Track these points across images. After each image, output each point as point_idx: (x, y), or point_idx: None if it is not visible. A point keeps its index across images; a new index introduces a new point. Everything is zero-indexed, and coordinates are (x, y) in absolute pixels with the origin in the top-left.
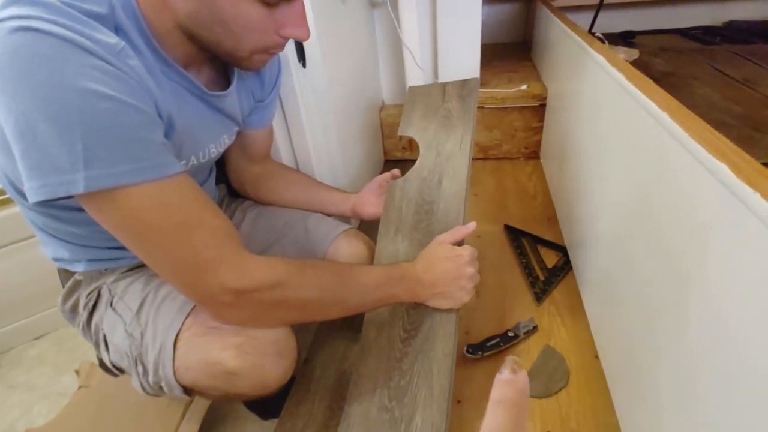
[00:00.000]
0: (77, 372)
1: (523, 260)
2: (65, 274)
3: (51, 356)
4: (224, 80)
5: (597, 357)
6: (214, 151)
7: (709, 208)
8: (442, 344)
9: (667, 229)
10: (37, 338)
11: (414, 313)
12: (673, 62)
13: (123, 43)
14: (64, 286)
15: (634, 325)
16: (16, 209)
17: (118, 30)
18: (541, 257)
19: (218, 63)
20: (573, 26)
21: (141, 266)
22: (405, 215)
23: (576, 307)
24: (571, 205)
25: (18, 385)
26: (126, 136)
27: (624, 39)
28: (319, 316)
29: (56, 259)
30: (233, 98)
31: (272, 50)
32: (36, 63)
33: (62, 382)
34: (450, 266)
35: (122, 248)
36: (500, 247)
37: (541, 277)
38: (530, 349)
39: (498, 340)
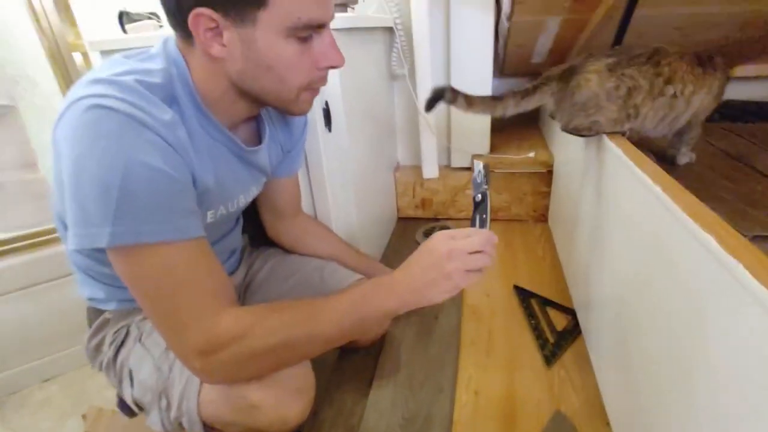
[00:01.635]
0: (84, 417)
1: (533, 321)
2: (94, 313)
3: (58, 400)
4: (257, 136)
5: (608, 424)
6: (243, 201)
7: (701, 278)
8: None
9: (666, 298)
10: (46, 381)
11: (413, 402)
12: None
13: (176, 116)
14: (90, 325)
15: (643, 393)
16: (28, 256)
17: (173, 100)
18: (551, 319)
19: (252, 121)
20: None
21: None
22: (407, 336)
23: (586, 372)
24: (578, 269)
25: (21, 428)
26: (154, 201)
27: None
28: (297, 358)
29: (90, 299)
30: (264, 152)
31: (315, 85)
32: (101, 135)
33: (67, 427)
34: (427, 260)
35: None
36: (509, 306)
37: (551, 340)
38: (540, 415)
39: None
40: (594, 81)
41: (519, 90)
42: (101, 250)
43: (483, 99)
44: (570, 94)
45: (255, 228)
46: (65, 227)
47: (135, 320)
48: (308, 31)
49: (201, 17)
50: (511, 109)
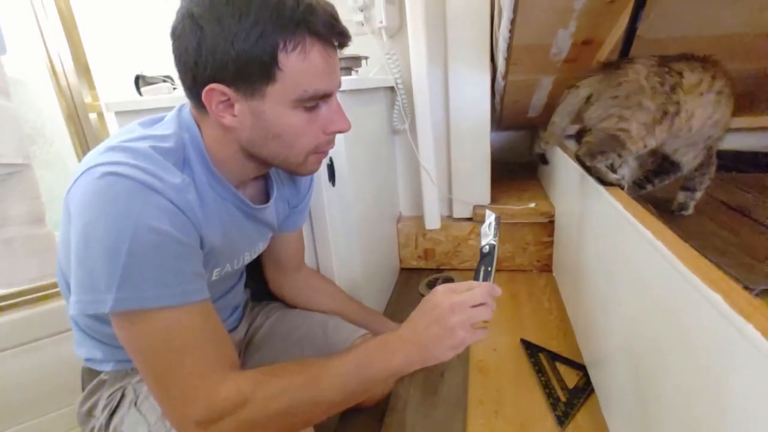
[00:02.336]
0: None
1: (543, 378)
2: (89, 375)
3: None
4: (265, 194)
5: None
6: (248, 257)
7: (711, 336)
8: None
9: (678, 355)
10: None
11: None
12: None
13: (187, 179)
14: (84, 388)
15: None
16: (19, 314)
17: (185, 163)
18: (561, 376)
19: (261, 179)
20: (572, 154)
21: None
22: (412, 396)
23: None
24: (586, 322)
25: None
26: (160, 264)
27: None
28: (301, 424)
29: (87, 359)
30: (272, 209)
31: (323, 149)
32: (111, 201)
33: None
34: (430, 316)
35: None
36: (517, 362)
37: (563, 399)
38: None
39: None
40: (642, 73)
41: (563, 102)
42: None
43: (551, 133)
44: (615, 84)
45: (256, 282)
46: (68, 286)
47: (132, 382)
48: (315, 101)
49: (214, 92)
50: (569, 119)
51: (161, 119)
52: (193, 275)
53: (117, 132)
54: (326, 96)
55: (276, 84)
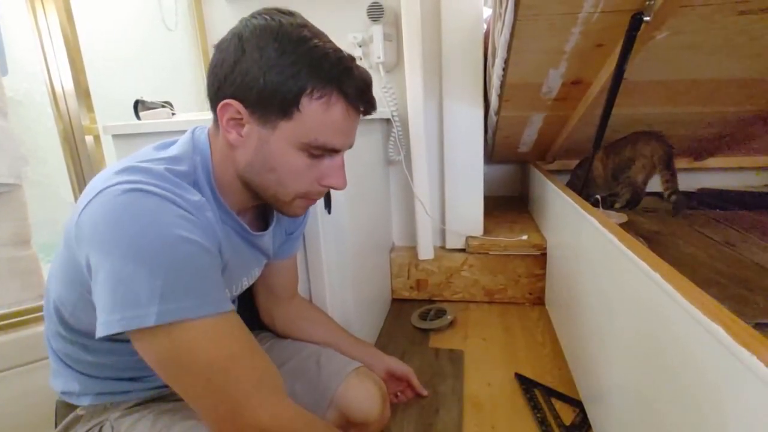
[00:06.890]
0: None
1: (538, 415)
2: (65, 410)
3: None
4: (263, 221)
5: None
6: (246, 283)
7: (714, 369)
8: None
9: (680, 390)
10: None
11: None
12: (657, 223)
13: (203, 199)
14: (57, 424)
15: None
16: None
17: (195, 185)
18: (557, 412)
19: (261, 207)
20: (565, 189)
21: (148, 402)
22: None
23: None
24: (582, 356)
25: None
26: (197, 274)
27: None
28: None
29: (63, 392)
30: (269, 236)
31: (311, 197)
32: (139, 215)
33: None
34: None
35: (134, 380)
36: (512, 397)
37: None
38: None
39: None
40: None
41: None
42: (90, 336)
43: None
44: None
45: (246, 312)
46: (57, 311)
47: (111, 418)
48: (321, 150)
49: (229, 107)
50: None
51: (173, 142)
52: (222, 285)
53: (131, 155)
54: (334, 151)
55: (290, 122)
